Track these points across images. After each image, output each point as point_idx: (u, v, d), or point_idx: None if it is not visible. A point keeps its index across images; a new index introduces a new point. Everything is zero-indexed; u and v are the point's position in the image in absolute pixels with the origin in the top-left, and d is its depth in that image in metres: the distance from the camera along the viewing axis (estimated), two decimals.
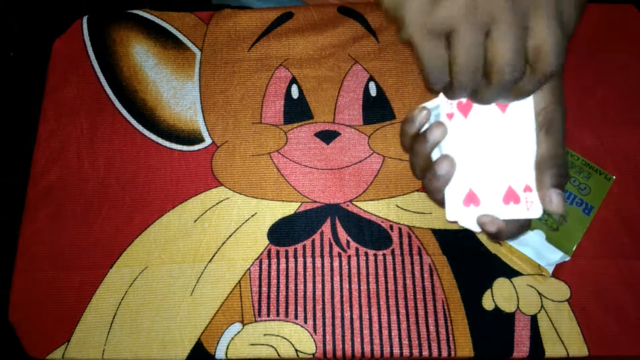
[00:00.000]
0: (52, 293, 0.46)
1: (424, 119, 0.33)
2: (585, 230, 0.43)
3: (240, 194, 0.49)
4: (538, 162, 0.33)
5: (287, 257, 0.47)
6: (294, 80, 0.52)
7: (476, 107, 0.33)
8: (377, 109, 0.51)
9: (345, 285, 0.46)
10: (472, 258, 0.46)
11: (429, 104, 0.33)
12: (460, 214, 0.33)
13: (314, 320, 0.45)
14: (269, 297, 0.45)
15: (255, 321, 0.45)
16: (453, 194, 0.33)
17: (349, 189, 0.49)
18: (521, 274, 0.45)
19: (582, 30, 0.52)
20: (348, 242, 0.47)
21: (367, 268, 0.46)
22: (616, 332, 0.44)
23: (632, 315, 0.44)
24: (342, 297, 0.45)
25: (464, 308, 0.45)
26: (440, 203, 0.34)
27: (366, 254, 0.46)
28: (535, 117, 0.33)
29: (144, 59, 0.53)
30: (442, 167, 0.33)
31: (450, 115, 0.33)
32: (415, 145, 0.35)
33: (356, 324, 0.45)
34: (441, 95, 0.32)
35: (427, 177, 0.34)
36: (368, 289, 0.45)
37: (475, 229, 0.34)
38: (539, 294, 0.45)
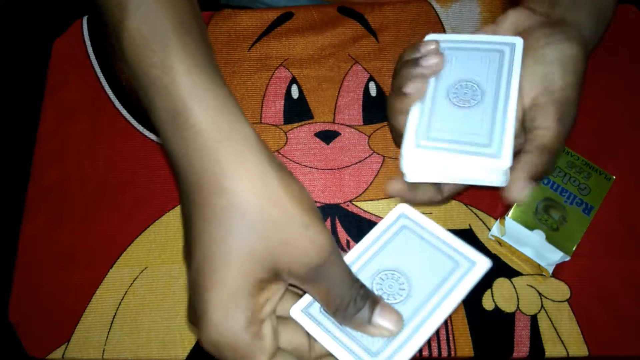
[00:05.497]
0: (52, 293, 0.46)
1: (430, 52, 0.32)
2: (585, 230, 0.43)
3: None
4: (537, 146, 0.31)
5: None
6: (294, 80, 0.52)
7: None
8: (377, 109, 0.51)
9: None
10: None
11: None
12: (417, 156, 0.31)
13: None
14: None
15: None
16: (413, 129, 0.31)
17: (349, 189, 0.49)
18: (521, 274, 0.45)
19: None
20: (348, 242, 0.47)
21: None
22: (616, 332, 0.44)
23: (632, 316, 0.44)
24: None
25: (464, 308, 0.45)
26: (399, 134, 0.32)
27: None
28: (550, 92, 0.32)
29: None
30: (430, 59, 0.30)
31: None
32: (404, 68, 0.32)
33: None
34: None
35: (402, 74, 0.31)
36: None
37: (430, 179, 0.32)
38: (539, 294, 0.45)
